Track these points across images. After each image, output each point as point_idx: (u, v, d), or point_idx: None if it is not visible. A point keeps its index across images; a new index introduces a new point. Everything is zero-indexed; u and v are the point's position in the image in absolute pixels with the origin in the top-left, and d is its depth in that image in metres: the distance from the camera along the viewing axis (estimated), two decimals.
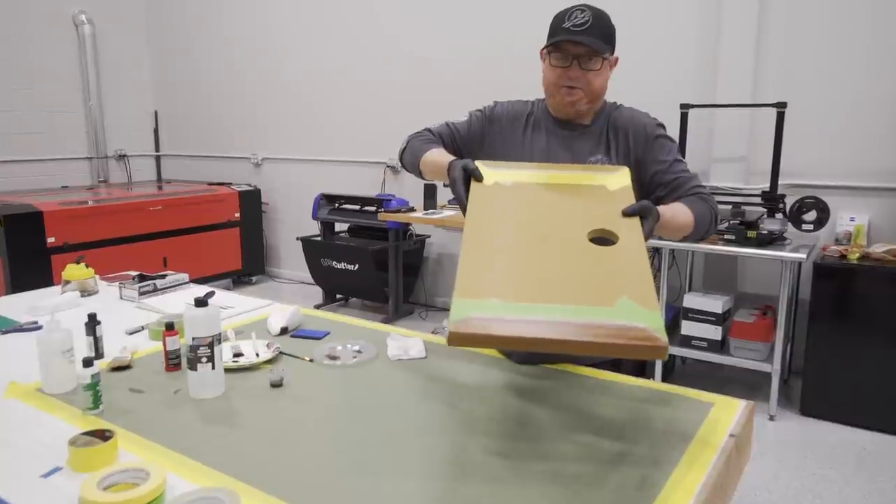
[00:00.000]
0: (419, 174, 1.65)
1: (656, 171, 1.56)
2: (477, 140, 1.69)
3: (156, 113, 6.83)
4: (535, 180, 1.40)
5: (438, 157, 1.54)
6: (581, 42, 1.47)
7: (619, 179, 1.39)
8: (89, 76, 6.15)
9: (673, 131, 3.58)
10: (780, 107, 3.33)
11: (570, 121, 1.62)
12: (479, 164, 1.40)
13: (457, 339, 1.01)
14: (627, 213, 1.27)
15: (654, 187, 1.57)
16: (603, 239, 1.24)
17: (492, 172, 1.40)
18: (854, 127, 3.54)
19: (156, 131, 6.86)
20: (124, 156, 6.61)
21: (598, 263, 1.16)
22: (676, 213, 1.46)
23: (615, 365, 1.66)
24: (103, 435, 1.14)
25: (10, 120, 5.75)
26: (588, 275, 1.13)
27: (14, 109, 5.77)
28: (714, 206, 1.53)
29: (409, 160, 1.67)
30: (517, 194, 1.35)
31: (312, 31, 5.57)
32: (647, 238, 1.25)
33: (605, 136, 1.60)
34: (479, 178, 1.38)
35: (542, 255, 1.18)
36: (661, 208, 1.37)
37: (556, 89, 1.56)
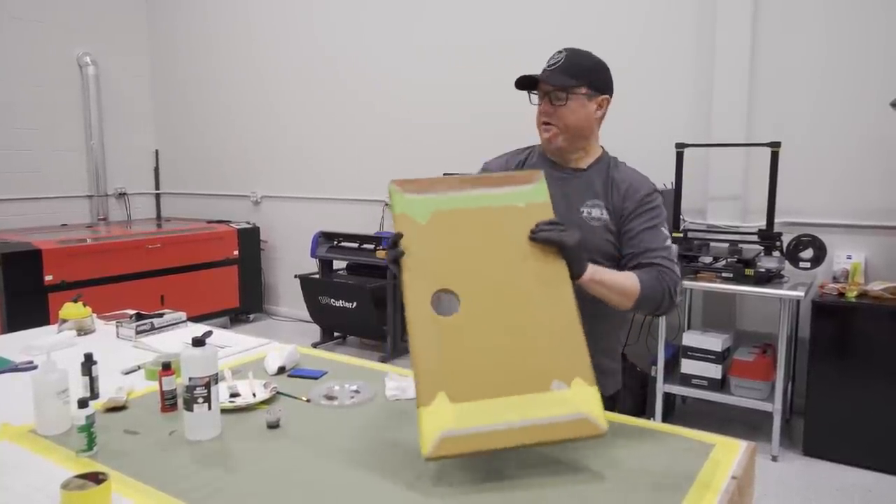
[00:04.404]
0: None
1: (629, 228, 1.58)
2: None
3: (157, 152, 6.90)
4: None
5: None
6: (544, 80, 1.56)
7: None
8: (92, 116, 6.22)
9: (669, 170, 3.65)
10: (775, 146, 3.37)
11: (565, 164, 1.65)
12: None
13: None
14: (536, 239, 1.37)
15: (624, 242, 1.58)
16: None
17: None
18: (850, 165, 3.58)
19: (156, 170, 6.92)
20: (124, 194, 6.65)
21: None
22: (621, 275, 1.49)
23: (613, 401, 1.65)
24: (97, 478, 1.12)
25: (11, 159, 5.79)
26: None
27: (16, 148, 5.82)
28: (670, 285, 1.52)
29: None
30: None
31: (310, 72, 5.66)
32: (576, 278, 1.37)
33: (605, 186, 1.61)
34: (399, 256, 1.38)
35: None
36: (600, 268, 1.44)
37: (538, 126, 1.64)
